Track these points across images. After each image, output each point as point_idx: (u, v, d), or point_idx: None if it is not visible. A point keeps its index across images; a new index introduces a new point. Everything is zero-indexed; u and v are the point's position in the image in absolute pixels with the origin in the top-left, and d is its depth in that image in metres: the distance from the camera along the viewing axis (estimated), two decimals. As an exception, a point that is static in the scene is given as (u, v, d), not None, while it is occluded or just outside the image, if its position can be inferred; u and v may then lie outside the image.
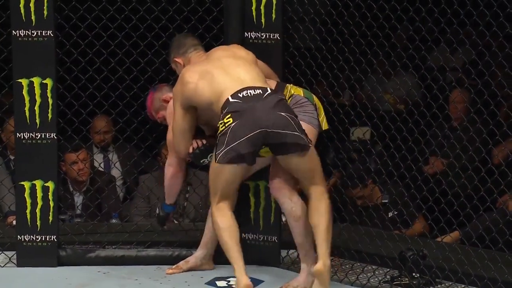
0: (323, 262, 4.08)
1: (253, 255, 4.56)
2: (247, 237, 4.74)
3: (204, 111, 4.28)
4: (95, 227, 5.08)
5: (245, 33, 4.66)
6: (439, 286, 4.43)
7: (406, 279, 4.46)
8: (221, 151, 4.07)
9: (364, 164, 5.40)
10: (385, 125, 4.80)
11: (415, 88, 5.92)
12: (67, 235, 4.91)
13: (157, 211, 4.73)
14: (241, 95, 4.11)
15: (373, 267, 4.66)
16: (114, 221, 5.43)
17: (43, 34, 4.65)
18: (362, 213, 5.17)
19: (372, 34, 4.71)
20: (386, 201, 5.61)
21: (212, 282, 4.52)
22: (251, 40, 4.64)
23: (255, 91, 4.13)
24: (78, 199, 5.71)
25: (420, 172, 5.01)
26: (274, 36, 4.68)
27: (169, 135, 4.48)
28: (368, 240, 4.80)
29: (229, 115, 4.07)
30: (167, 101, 4.59)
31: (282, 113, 4.08)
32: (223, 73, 4.21)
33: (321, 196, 4.19)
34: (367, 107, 5.38)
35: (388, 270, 4.60)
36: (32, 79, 4.67)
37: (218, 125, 4.12)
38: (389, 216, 5.41)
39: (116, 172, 6.04)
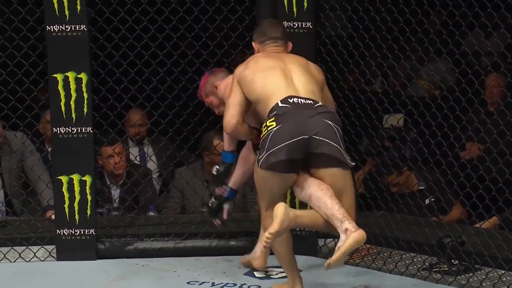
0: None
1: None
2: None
3: (252, 104, 4.17)
4: (133, 220, 5.10)
5: None
6: (478, 272, 4.41)
7: (445, 265, 4.45)
8: (263, 156, 3.95)
9: (399, 151, 5.37)
10: (419, 111, 4.76)
11: (449, 74, 5.87)
12: (105, 228, 4.95)
13: (211, 202, 4.55)
14: (291, 101, 3.99)
15: (411, 254, 4.64)
16: (151, 213, 5.44)
17: (77, 28, 4.68)
18: (399, 200, 5.13)
19: (405, 20, 4.68)
20: (423, 187, 5.57)
21: (250, 273, 4.53)
22: None
23: (306, 101, 4.01)
24: (115, 193, 5.73)
25: (456, 158, 4.98)
26: (306, 25, 4.67)
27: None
28: (405, 227, 4.77)
29: (273, 119, 3.95)
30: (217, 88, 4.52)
31: (330, 123, 3.96)
32: (281, 76, 4.09)
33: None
34: (400, 94, 5.34)
35: (426, 257, 4.58)
36: (67, 74, 4.70)
37: (262, 128, 4.02)
38: (426, 203, 5.39)
39: (152, 165, 6.05)
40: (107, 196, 5.61)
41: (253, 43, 4.36)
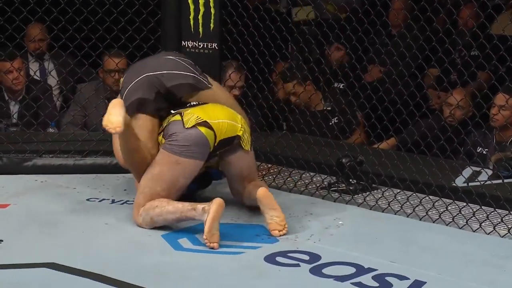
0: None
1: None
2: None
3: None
4: (32, 136, 4.99)
5: (183, 41, 4.64)
6: (375, 191, 4.49)
7: (343, 185, 4.51)
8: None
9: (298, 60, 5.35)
10: (322, 32, 4.77)
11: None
12: (3, 144, 4.84)
13: None
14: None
15: (311, 174, 4.68)
16: (51, 130, 5.35)
17: None
18: (300, 121, 5.16)
19: None
20: (329, 108, 5.58)
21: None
22: (188, 49, 4.62)
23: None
24: (14, 108, 5.62)
25: (358, 79, 5.02)
26: (212, 45, 4.65)
27: None
28: (306, 147, 4.79)
29: (121, 78, 4.12)
30: None
31: (172, 57, 4.13)
32: None
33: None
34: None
35: (325, 176, 4.63)
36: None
37: None
38: (330, 124, 5.42)
39: (52, 81, 5.93)
40: (5, 111, 5.49)
41: None
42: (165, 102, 4.05)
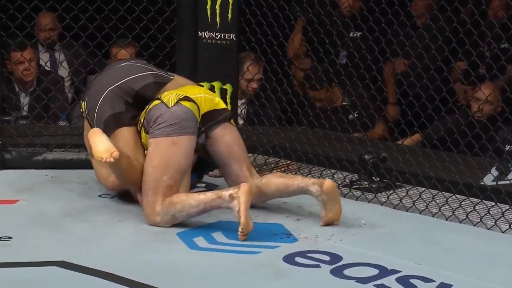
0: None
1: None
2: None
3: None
4: (42, 129, 4.92)
5: (199, 32, 4.56)
6: (399, 189, 4.39)
7: (366, 182, 4.42)
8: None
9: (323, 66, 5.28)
10: (344, 23, 4.67)
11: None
12: (12, 137, 4.76)
13: None
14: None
15: (332, 171, 4.59)
16: (62, 123, 5.31)
17: None
18: (321, 115, 5.07)
19: None
20: (346, 103, 5.51)
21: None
22: (204, 40, 4.55)
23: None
24: (24, 100, 5.57)
25: (380, 73, 4.94)
26: (230, 36, 4.57)
27: None
28: (326, 143, 4.71)
29: (81, 102, 4.13)
30: None
31: (127, 63, 4.14)
32: None
33: None
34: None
35: (347, 174, 4.55)
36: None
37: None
38: (349, 118, 5.34)
39: (63, 72, 5.88)
40: (15, 103, 5.42)
41: None
42: (136, 109, 4.01)
